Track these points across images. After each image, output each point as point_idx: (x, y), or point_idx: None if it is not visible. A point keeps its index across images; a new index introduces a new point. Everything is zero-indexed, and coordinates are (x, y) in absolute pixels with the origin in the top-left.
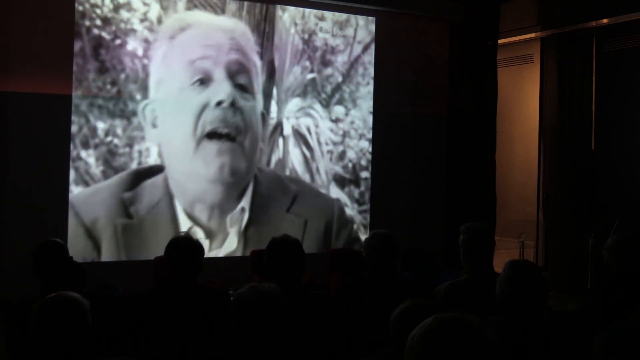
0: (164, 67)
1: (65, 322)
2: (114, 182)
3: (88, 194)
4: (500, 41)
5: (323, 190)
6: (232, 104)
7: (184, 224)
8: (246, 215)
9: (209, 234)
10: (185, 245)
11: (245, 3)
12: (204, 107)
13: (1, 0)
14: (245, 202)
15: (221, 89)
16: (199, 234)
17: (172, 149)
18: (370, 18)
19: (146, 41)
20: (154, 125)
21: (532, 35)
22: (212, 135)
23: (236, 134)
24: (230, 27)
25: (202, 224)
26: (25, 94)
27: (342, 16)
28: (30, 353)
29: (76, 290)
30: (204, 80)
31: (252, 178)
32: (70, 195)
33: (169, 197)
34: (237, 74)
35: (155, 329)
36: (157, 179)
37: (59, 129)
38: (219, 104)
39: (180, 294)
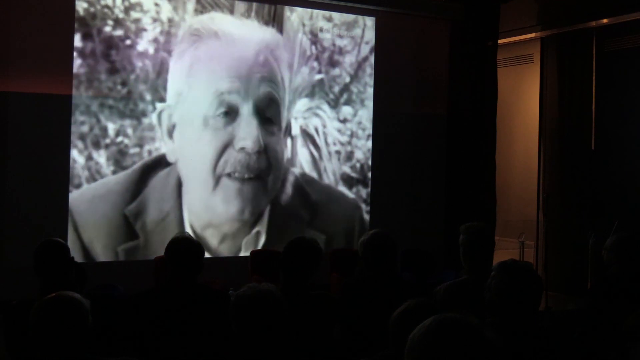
0: (187, 81)
1: (65, 322)
2: (115, 184)
3: (86, 201)
4: (500, 41)
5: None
6: (257, 151)
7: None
8: (262, 239)
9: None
10: (185, 245)
11: (254, 4)
12: (226, 146)
13: (1, 0)
14: (261, 226)
15: (246, 129)
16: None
17: (192, 176)
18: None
19: (156, 41)
20: (170, 135)
21: (532, 35)
22: (232, 174)
23: (259, 175)
24: (265, 42)
25: (210, 248)
26: (25, 94)
27: (350, 17)
28: (30, 353)
29: (76, 290)
30: (229, 114)
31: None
32: (70, 201)
33: (179, 212)
34: (266, 108)
35: (155, 329)
36: (168, 179)
37: (59, 129)
38: (242, 148)
39: (180, 294)
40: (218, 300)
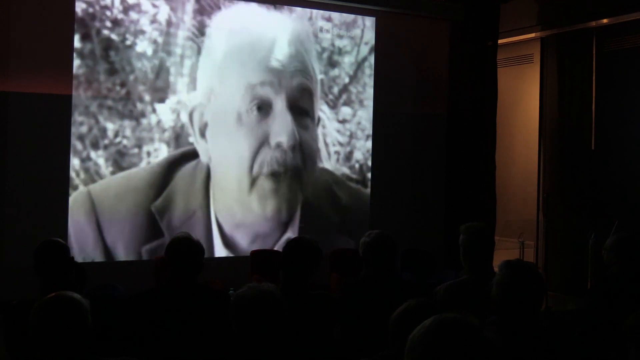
0: (218, 76)
1: (65, 322)
2: (139, 180)
3: (110, 198)
4: (500, 41)
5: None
6: (293, 146)
7: (219, 251)
8: None
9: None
10: (185, 245)
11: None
12: (262, 143)
13: (1, 0)
14: (291, 232)
15: (282, 124)
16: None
17: (225, 176)
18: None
19: (155, 42)
20: (203, 134)
21: (532, 35)
22: (269, 175)
23: (295, 172)
24: (296, 31)
25: (238, 248)
26: (25, 94)
27: (349, 17)
28: (29, 353)
29: (76, 290)
30: (263, 108)
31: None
32: (90, 193)
33: (207, 210)
34: (299, 100)
35: (155, 329)
36: (195, 177)
37: (59, 129)
38: (278, 145)
39: (180, 294)
40: (218, 300)
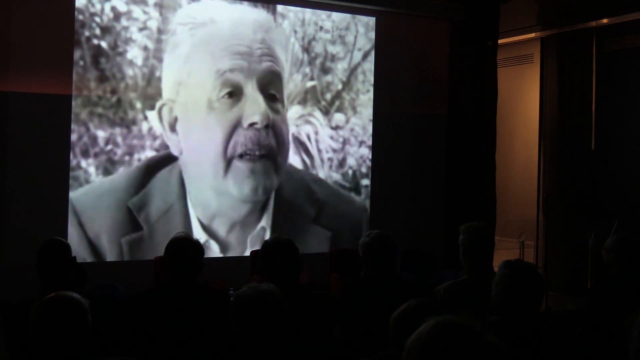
0: (185, 68)
1: (64, 322)
2: (119, 181)
3: (91, 198)
4: (500, 41)
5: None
6: (266, 126)
7: (198, 234)
8: (267, 234)
9: (225, 248)
10: (185, 245)
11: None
12: (235, 126)
13: (1, 0)
14: (265, 221)
15: (254, 106)
16: (214, 248)
17: (199, 165)
18: (370, 24)
19: (146, 49)
20: (173, 129)
21: (532, 35)
22: (243, 155)
23: (269, 153)
24: (259, 22)
25: (218, 238)
26: (25, 94)
27: (342, 23)
28: (29, 353)
29: (76, 290)
30: (234, 93)
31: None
32: (72, 199)
33: (183, 202)
34: (269, 84)
35: (155, 329)
36: (171, 176)
37: (59, 129)
38: (251, 125)
39: (180, 294)
40: (218, 300)
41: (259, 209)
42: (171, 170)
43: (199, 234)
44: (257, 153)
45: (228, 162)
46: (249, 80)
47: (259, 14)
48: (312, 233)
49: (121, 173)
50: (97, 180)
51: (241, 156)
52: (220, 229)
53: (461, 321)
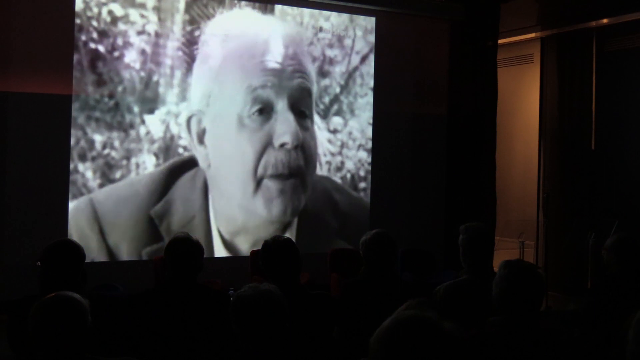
0: (217, 81)
1: (64, 322)
2: (141, 185)
3: (112, 200)
4: (500, 41)
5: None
6: (296, 146)
7: (217, 249)
8: None
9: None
10: (185, 245)
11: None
12: (265, 146)
13: (1, 1)
14: (289, 234)
15: (284, 125)
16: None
17: (227, 180)
18: (368, 28)
19: (143, 53)
20: (201, 141)
21: (532, 35)
22: (274, 175)
23: (298, 172)
24: (291, 35)
25: (239, 254)
26: (25, 94)
27: (340, 27)
28: (29, 353)
29: (76, 290)
30: (264, 110)
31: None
32: (93, 197)
33: (206, 214)
34: (300, 101)
35: (155, 329)
36: (195, 184)
37: (59, 129)
38: (282, 145)
39: (180, 294)
40: (218, 300)
41: (283, 227)
42: (194, 177)
43: (218, 249)
44: (286, 174)
45: (258, 182)
46: (279, 97)
47: (291, 27)
48: (337, 246)
49: (143, 176)
50: (120, 184)
51: (271, 176)
52: (243, 246)
53: (419, 314)
